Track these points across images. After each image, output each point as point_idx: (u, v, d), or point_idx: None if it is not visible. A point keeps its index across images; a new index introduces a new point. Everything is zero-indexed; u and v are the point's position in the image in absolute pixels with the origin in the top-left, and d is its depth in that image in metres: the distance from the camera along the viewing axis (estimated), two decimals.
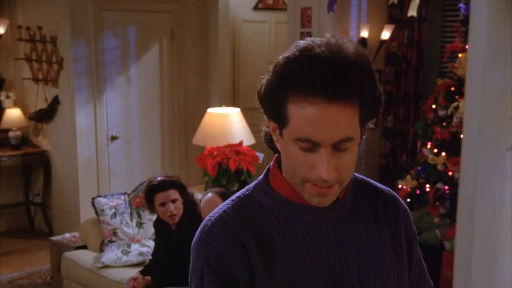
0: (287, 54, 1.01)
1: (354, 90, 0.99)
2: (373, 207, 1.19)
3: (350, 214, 1.15)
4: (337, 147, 1.01)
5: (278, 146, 1.10)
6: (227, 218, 1.08)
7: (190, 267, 1.12)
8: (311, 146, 1.01)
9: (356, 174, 1.22)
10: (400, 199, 1.26)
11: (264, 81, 1.05)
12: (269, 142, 1.14)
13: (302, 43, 1.02)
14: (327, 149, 1.00)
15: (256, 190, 1.14)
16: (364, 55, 1.03)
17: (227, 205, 1.12)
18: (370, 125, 1.11)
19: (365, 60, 1.03)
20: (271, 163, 1.15)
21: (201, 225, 1.11)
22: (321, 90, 0.97)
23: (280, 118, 1.03)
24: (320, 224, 1.11)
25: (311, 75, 0.97)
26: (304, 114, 0.99)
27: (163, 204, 3.20)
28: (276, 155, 1.15)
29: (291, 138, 1.02)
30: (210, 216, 1.11)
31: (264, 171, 1.16)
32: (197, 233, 1.11)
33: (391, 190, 1.26)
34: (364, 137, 1.10)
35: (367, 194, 1.20)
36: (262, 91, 1.06)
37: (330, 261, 1.10)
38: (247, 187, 1.16)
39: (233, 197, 1.14)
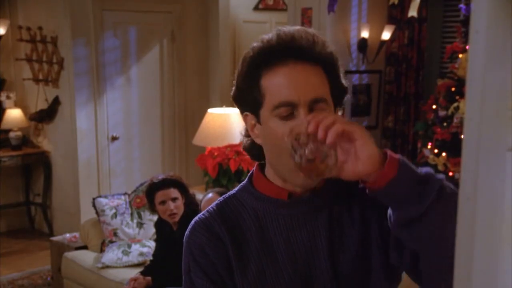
0: (253, 44, 1.11)
1: (317, 56, 1.08)
2: (348, 195, 1.17)
3: (328, 204, 1.16)
4: (313, 108, 1.06)
5: (259, 141, 1.15)
6: (209, 217, 1.17)
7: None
8: (290, 110, 1.06)
9: None
10: None
11: (235, 79, 1.14)
12: (250, 150, 1.21)
13: None
14: (305, 109, 1.05)
15: (240, 191, 1.21)
16: (325, 40, 1.12)
17: (213, 206, 1.20)
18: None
19: (326, 41, 1.12)
20: (254, 167, 1.23)
21: (189, 225, 1.20)
22: (289, 52, 1.06)
23: (256, 100, 1.10)
24: (296, 217, 1.15)
25: (277, 44, 1.07)
26: (276, 79, 1.07)
27: (163, 202, 3.20)
28: (257, 162, 1.23)
29: (269, 112, 1.08)
30: (197, 216, 1.20)
31: (248, 175, 1.24)
32: (186, 232, 1.19)
33: None
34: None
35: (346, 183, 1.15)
36: (234, 87, 1.14)
37: (307, 252, 1.13)
38: (233, 189, 1.24)
39: (220, 198, 1.22)
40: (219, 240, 1.14)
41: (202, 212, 1.20)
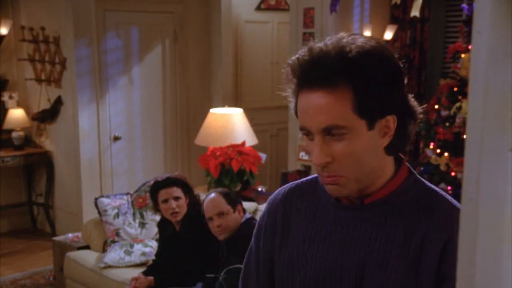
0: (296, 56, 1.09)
1: (336, 77, 1.03)
2: (413, 222, 1.10)
3: (383, 218, 1.12)
4: (329, 133, 1.06)
5: None
6: (284, 190, 1.27)
7: None
8: (308, 133, 1.09)
9: (431, 185, 1.18)
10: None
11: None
12: None
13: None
14: (318, 136, 1.06)
15: None
16: (370, 48, 1.05)
17: (300, 180, 1.28)
18: (412, 125, 1.17)
19: (368, 51, 1.04)
20: None
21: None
22: (304, 79, 1.06)
23: (295, 112, 1.13)
24: (345, 220, 1.15)
25: (301, 67, 1.06)
26: (299, 103, 1.09)
27: (165, 201, 3.21)
28: None
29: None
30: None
31: None
32: None
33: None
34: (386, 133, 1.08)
35: (418, 206, 1.12)
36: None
37: (337, 257, 1.13)
38: None
39: (314, 175, 1.25)
40: (276, 212, 1.24)
41: (291, 182, 1.28)
